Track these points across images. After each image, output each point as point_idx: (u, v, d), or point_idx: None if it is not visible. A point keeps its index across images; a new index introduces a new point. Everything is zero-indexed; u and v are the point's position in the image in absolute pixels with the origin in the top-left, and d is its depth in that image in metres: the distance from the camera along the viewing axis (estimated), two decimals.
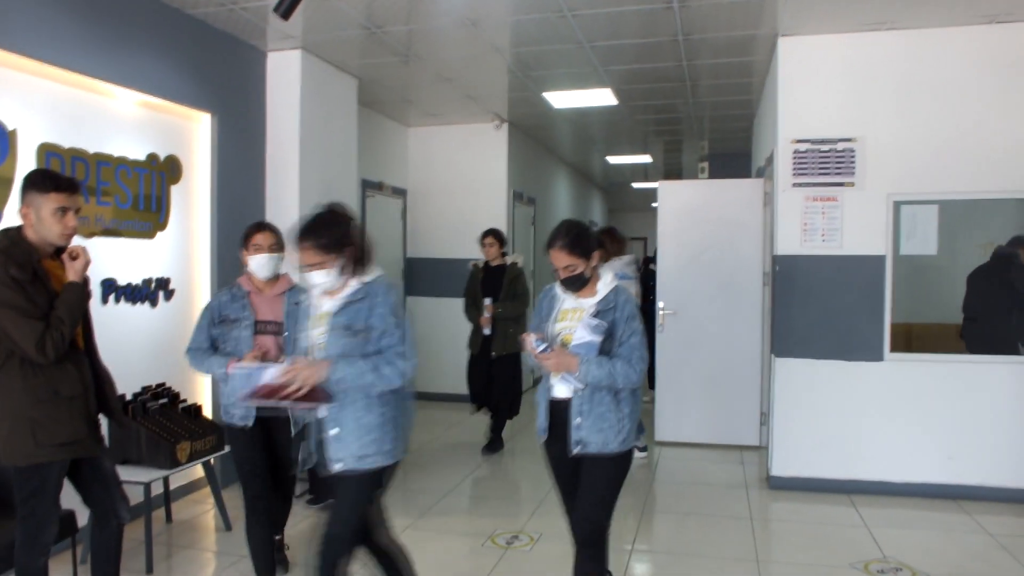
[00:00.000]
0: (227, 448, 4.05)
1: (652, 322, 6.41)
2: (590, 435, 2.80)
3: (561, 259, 2.88)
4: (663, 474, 5.68)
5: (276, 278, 3.56)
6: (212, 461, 4.34)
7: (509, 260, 6.18)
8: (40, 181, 2.75)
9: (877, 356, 5.03)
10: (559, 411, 2.92)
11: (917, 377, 4.99)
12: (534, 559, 4.03)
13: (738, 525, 4.55)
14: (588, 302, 2.90)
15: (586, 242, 2.89)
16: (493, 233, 6.22)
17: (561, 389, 2.91)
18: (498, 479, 5.64)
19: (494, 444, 6.27)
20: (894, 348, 5.02)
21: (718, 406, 6.34)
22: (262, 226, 3.57)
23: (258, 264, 3.49)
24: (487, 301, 6.01)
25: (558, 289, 3.02)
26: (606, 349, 2.79)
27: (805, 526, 4.58)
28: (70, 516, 3.17)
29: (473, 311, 6.18)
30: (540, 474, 5.60)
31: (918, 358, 5.00)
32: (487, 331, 6.06)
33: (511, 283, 6.04)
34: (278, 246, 3.52)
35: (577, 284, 2.91)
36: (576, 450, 2.82)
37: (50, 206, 2.71)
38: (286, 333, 3.40)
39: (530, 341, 2.78)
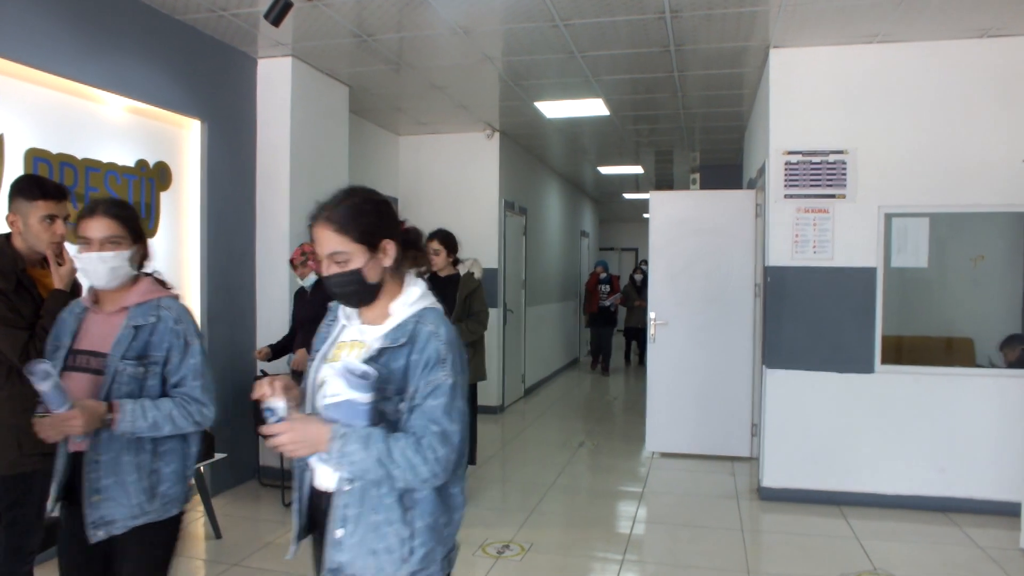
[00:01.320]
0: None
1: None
2: (356, 559, 1.73)
3: (325, 242, 1.79)
4: (654, 485, 5.66)
5: (125, 287, 2.34)
6: (202, 469, 4.29)
7: (463, 270, 5.02)
8: (27, 188, 2.70)
9: (868, 368, 5.03)
10: (320, 509, 1.84)
11: (908, 389, 5.00)
12: (525, 569, 4.00)
13: (729, 536, 4.53)
14: (374, 332, 1.81)
15: (373, 220, 1.80)
16: (438, 236, 4.96)
17: (324, 474, 1.81)
18: (488, 489, 5.61)
19: None
20: (885, 360, 5.02)
21: (709, 417, 6.33)
22: (97, 207, 2.30)
23: (86, 266, 2.28)
24: None
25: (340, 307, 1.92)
26: (390, 412, 1.72)
27: (796, 537, 4.57)
28: (57, 524, 3.12)
29: None
30: (530, 484, 5.59)
31: (909, 370, 5.01)
32: None
33: (465, 299, 4.85)
34: (123, 239, 2.30)
35: (354, 295, 1.81)
36: None
37: (38, 213, 2.68)
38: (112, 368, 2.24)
39: (261, 393, 1.71)
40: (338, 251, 1.76)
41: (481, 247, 8.26)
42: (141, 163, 4.53)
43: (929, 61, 4.93)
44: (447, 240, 4.96)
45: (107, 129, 4.29)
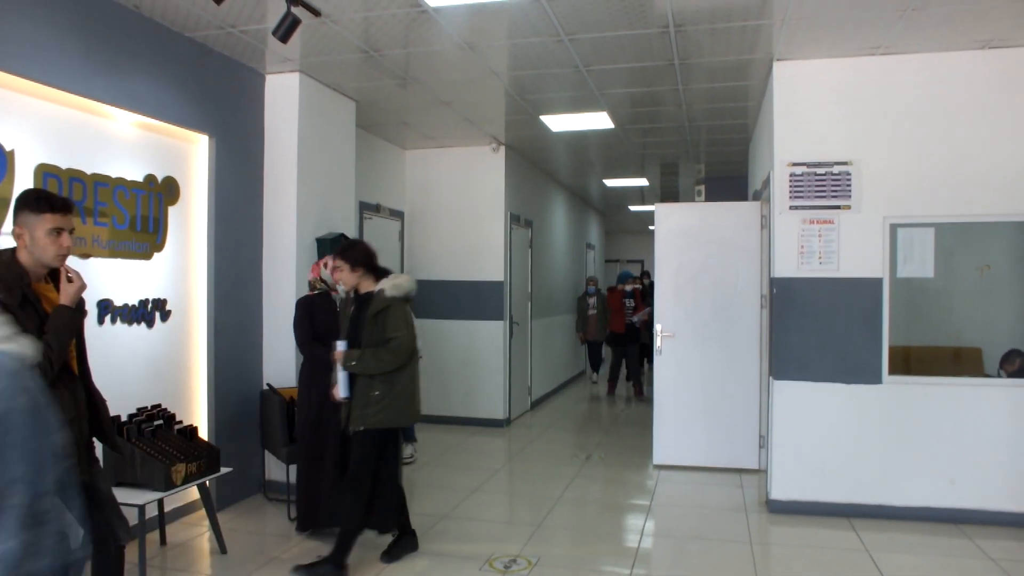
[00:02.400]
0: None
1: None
2: None
3: None
4: (662, 497, 5.64)
5: None
6: (207, 483, 4.29)
7: (378, 287, 4.13)
8: (34, 202, 2.72)
9: (876, 379, 5.01)
10: None
11: (916, 400, 4.98)
12: None
13: (738, 549, 4.51)
14: None
15: None
16: (338, 251, 4.27)
17: None
18: (495, 503, 5.59)
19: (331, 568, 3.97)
20: (892, 371, 5.01)
21: (717, 429, 6.31)
22: None
23: None
24: (338, 346, 4.08)
25: None
26: None
27: (805, 550, 4.54)
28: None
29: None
30: (537, 497, 5.57)
31: (917, 381, 4.99)
32: (341, 394, 4.12)
33: (373, 320, 4.05)
34: None
35: None
36: None
37: (44, 227, 2.69)
38: None
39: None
40: None
41: (487, 260, 8.30)
42: (149, 178, 4.57)
43: (932, 72, 4.95)
44: (346, 254, 4.15)
45: (116, 144, 4.33)
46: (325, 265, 4.72)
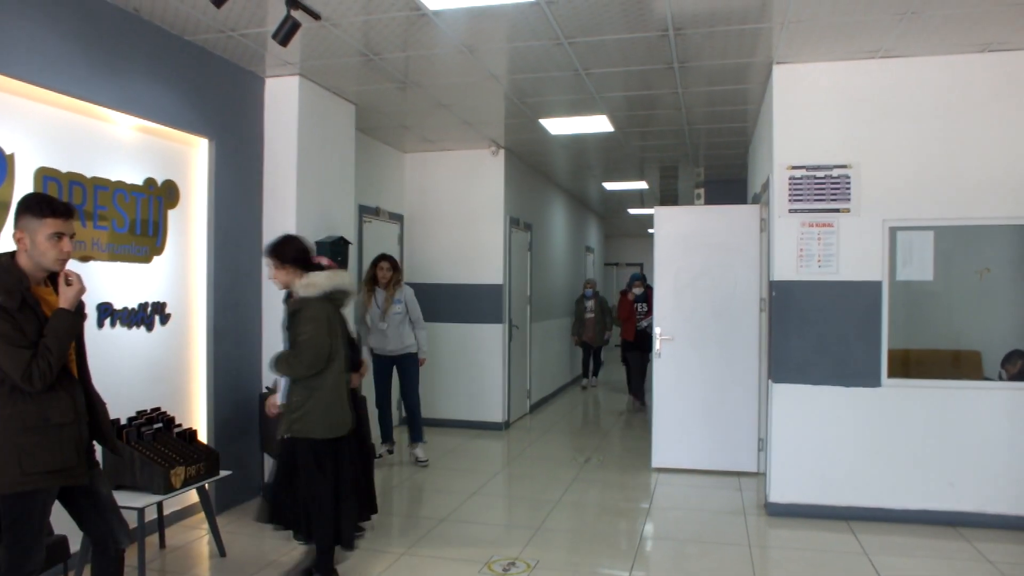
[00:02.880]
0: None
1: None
2: None
3: None
4: (660, 500, 5.64)
5: None
6: (207, 486, 4.29)
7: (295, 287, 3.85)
8: (36, 206, 2.73)
9: (875, 382, 5.02)
10: None
11: (915, 403, 4.98)
12: None
13: (736, 552, 4.51)
14: None
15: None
16: (269, 245, 3.96)
17: None
18: (494, 505, 5.59)
19: None
20: (892, 374, 5.01)
21: (715, 432, 6.31)
22: None
23: None
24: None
25: None
26: None
27: (804, 553, 4.54)
28: (63, 542, 3.14)
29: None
30: (536, 500, 5.57)
31: (916, 384, 4.99)
32: (278, 400, 4.00)
33: (290, 321, 3.83)
34: None
35: None
36: None
37: (46, 231, 2.70)
38: None
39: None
40: None
41: (486, 263, 8.30)
42: (149, 181, 4.57)
43: (931, 75, 4.95)
44: (275, 250, 3.86)
45: (116, 148, 4.33)
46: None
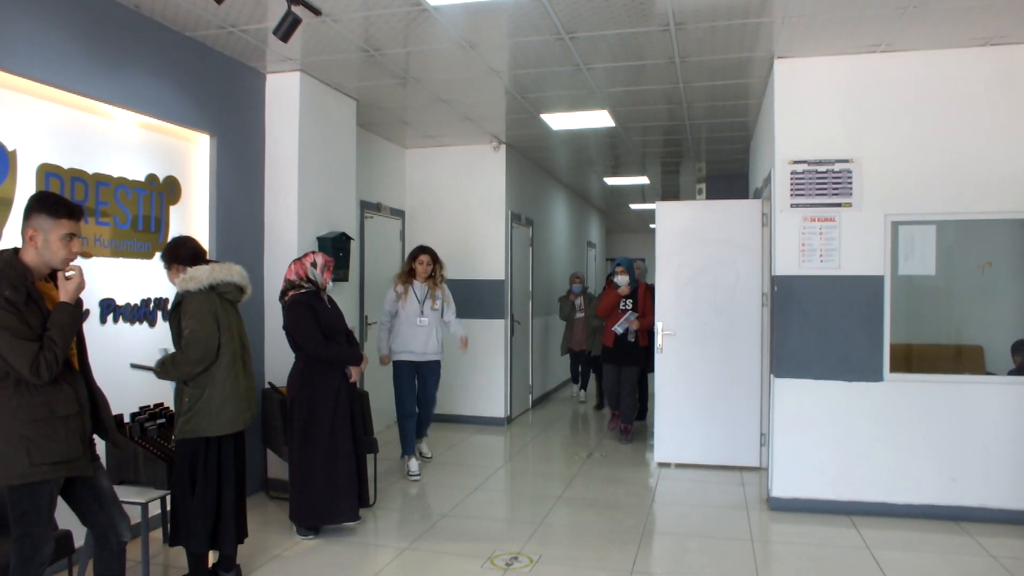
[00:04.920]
0: None
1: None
2: None
3: None
4: (663, 495, 5.64)
5: None
6: None
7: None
8: (52, 206, 2.78)
9: (877, 376, 5.02)
10: None
11: (917, 397, 4.98)
12: None
13: (739, 547, 4.52)
14: None
15: None
16: (164, 249, 3.81)
17: None
18: (496, 500, 5.60)
19: None
20: (894, 368, 5.01)
21: (718, 427, 6.32)
22: None
23: None
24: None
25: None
26: None
27: (806, 548, 4.55)
28: (67, 536, 3.15)
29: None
30: (538, 495, 5.58)
31: (918, 378, 4.99)
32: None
33: (171, 316, 3.70)
34: None
35: None
36: None
37: (60, 232, 2.76)
38: None
39: None
40: None
41: (488, 258, 8.30)
42: (151, 177, 4.57)
43: (933, 69, 4.95)
44: (171, 252, 3.74)
45: (118, 144, 4.34)
46: (314, 264, 4.58)
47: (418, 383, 6.21)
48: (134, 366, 3.78)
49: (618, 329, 7.25)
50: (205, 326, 3.57)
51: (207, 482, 3.68)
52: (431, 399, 6.37)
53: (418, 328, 6.04)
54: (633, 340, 7.28)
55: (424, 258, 6.11)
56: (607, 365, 7.57)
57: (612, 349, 7.41)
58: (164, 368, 3.62)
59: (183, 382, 3.65)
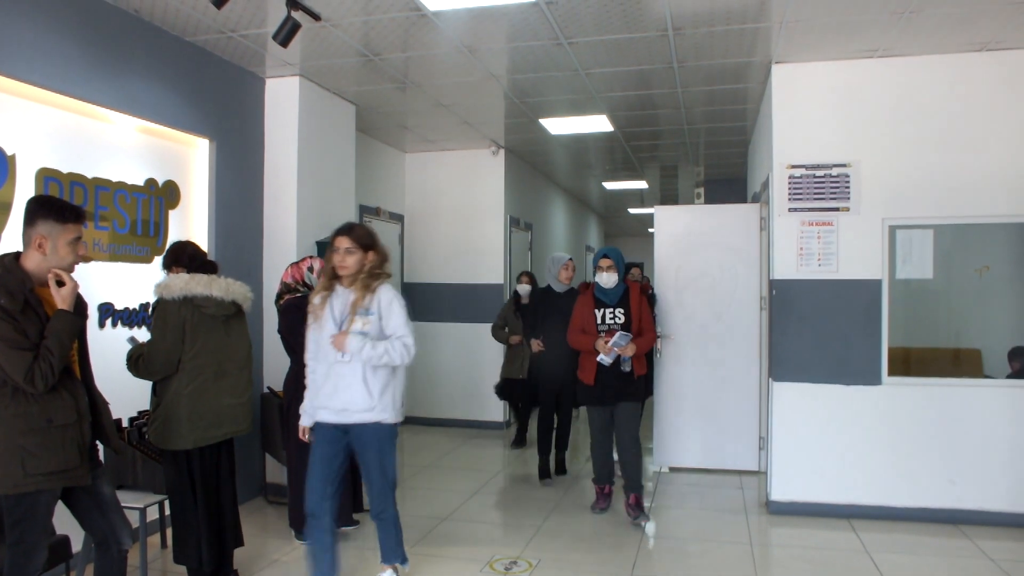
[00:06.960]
0: None
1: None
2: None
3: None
4: (662, 499, 5.64)
5: None
6: None
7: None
8: (59, 211, 2.74)
9: (875, 380, 5.02)
10: None
11: (916, 401, 4.98)
12: None
13: (738, 551, 4.52)
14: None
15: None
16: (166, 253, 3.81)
17: None
18: (496, 505, 5.60)
19: None
20: (892, 372, 5.01)
21: (716, 431, 6.32)
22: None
23: None
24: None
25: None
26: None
27: (806, 551, 4.55)
28: (64, 542, 3.14)
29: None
30: (538, 500, 5.57)
31: (916, 382, 5.00)
32: None
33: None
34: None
35: None
36: None
37: (68, 236, 2.73)
38: None
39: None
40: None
41: (487, 263, 8.31)
42: (150, 182, 4.58)
43: (930, 74, 4.96)
44: (171, 256, 3.72)
45: (117, 148, 4.34)
46: (311, 269, 4.53)
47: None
48: (131, 341, 3.76)
49: (605, 360, 4.86)
50: (165, 339, 3.48)
51: (193, 494, 3.62)
52: (378, 491, 3.68)
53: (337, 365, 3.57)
54: (629, 370, 4.93)
55: (343, 242, 3.57)
56: (591, 410, 5.18)
57: (593, 388, 5.00)
58: (133, 365, 3.59)
59: (152, 390, 3.65)
